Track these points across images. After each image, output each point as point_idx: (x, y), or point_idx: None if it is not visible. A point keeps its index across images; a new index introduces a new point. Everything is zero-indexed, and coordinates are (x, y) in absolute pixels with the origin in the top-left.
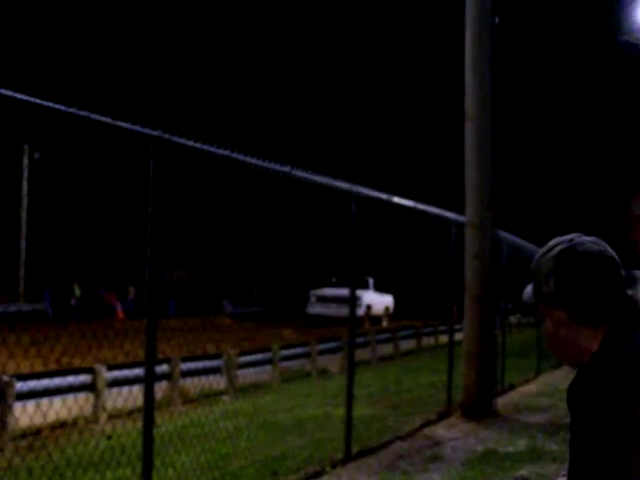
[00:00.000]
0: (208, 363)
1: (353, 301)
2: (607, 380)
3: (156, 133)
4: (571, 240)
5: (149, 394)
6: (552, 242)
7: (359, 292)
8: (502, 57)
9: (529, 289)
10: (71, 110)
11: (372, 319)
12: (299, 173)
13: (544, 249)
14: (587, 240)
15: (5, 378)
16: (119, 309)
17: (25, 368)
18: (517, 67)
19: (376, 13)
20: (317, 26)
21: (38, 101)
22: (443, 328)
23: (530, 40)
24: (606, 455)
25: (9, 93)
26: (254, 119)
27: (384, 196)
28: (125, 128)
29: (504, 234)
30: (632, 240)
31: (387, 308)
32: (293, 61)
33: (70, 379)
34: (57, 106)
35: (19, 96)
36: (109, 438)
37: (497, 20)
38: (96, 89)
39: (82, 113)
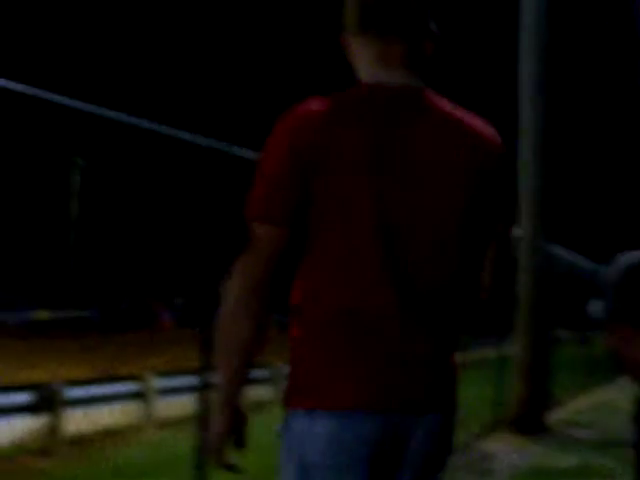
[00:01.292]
0: (259, 373)
1: None
2: None
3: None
4: (636, 257)
5: (202, 402)
6: (622, 258)
7: None
8: (558, 68)
9: (598, 304)
10: (133, 120)
11: None
12: None
13: (615, 265)
14: None
15: (55, 385)
16: (167, 318)
17: (75, 375)
18: (572, 79)
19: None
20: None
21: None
22: (489, 341)
23: (584, 50)
24: None
25: (67, 101)
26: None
27: None
28: (183, 139)
29: (556, 248)
30: None
31: None
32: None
33: (119, 387)
34: (108, 113)
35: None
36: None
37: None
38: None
39: (146, 125)
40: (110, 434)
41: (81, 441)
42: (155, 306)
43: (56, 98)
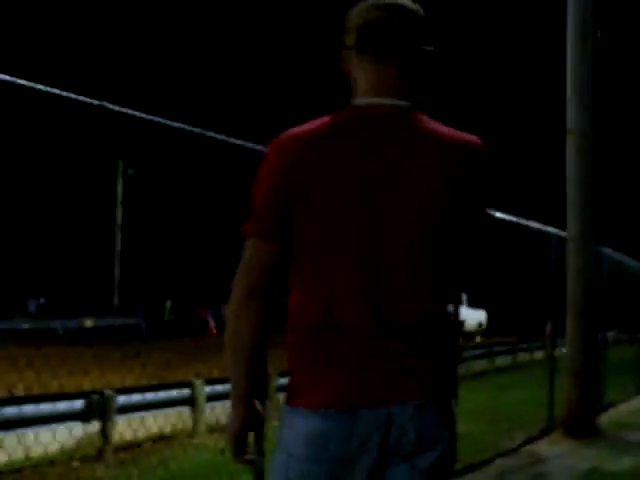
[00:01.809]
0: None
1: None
2: None
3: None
4: None
5: None
6: None
7: (460, 307)
8: (606, 70)
9: None
10: (176, 124)
11: (465, 335)
12: None
13: None
14: None
15: (107, 392)
16: (212, 325)
17: (123, 382)
18: (618, 80)
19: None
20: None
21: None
22: (538, 344)
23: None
24: None
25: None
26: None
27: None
28: (232, 143)
29: (606, 249)
30: None
31: (480, 324)
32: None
33: (169, 393)
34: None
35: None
36: (222, 452)
37: (599, 34)
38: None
39: (194, 129)
40: (160, 440)
41: (132, 447)
42: (200, 312)
43: (99, 103)
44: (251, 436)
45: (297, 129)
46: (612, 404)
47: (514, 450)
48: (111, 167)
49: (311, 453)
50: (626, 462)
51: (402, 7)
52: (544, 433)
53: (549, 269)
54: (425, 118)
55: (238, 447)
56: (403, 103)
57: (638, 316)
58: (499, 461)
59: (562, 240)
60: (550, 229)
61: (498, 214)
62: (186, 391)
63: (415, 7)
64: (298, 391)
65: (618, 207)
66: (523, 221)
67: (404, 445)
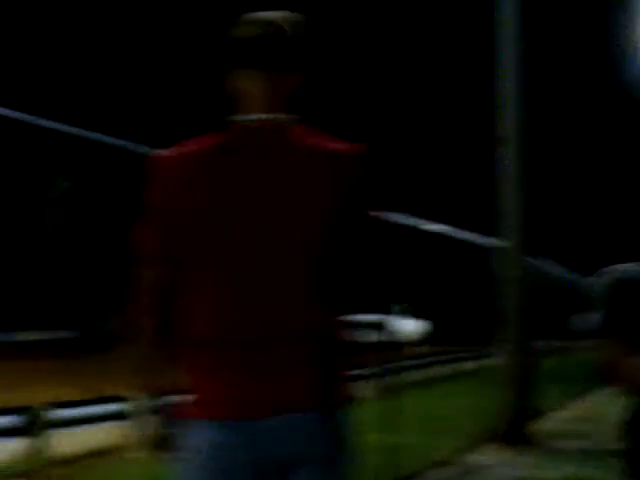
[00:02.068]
0: None
1: (379, 327)
2: None
3: None
4: (635, 269)
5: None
6: (614, 270)
7: (395, 318)
8: (536, 80)
9: (587, 317)
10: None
11: (409, 344)
12: None
13: (607, 278)
14: None
15: (44, 406)
16: None
17: (61, 396)
18: (552, 90)
19: (407, 29)
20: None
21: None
22: (481, 353)
23: (561, 65)
24: None
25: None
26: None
27: (417, 222)
28: None
29: (538, 260)
30: None
31: (424, 333)
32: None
33: (108, 407)
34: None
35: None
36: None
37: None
38: None
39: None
40: (99, 455)
41: (69, 463)
42: None
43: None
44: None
45: (174, 149)
46: (545, 413)
47: (448, 460)
48: (46, 181)
49: (200, 462)
50: (559, 471)
51: (274, 21)
52: (479, 442)
53: (486, 279)
54: (303, 131)
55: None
56: (280, 117)
57: (567, 325)
58: (434, 471)
59: (497, 250)
60: (485, 240)
61: (429, 226)
62: (123, 405)
63: (291, 19)
64: (194, 403)
65: (555, 219)
66: (456, 233)
67: (290, 457)
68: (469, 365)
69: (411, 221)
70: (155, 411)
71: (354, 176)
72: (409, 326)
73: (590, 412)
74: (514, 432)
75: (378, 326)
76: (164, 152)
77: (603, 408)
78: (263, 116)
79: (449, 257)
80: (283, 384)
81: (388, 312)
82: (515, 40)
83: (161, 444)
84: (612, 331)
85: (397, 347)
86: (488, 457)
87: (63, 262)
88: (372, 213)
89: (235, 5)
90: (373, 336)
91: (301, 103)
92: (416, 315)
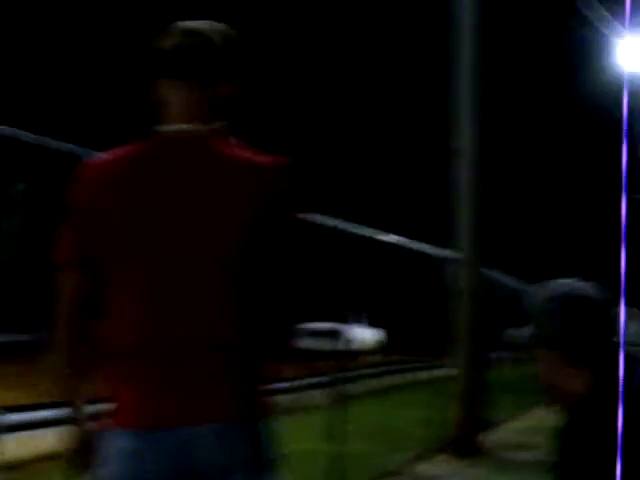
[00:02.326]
0: None
1: (339, 334)
2: (600, 423)
3: None
4: (573, 285)
5: None
6: (552, 285)
7: (350, 326)
8: (491, 95)
9: (524, 330)
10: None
11: (363, 353)
12: None
13: (544, 292)
14: (588, 286)
15: None
16: None
17: (17, 399)
18: (508, 104)
19: (360, 46)
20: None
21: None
22: (433, 364)
23: (516, 79)
24: None
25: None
26: None
27: (371, 233)
28: None
29: (492, 272)
30: None
31: (378, 342)
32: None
33: (62, 411)
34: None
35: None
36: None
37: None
38: None
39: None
40: (49, 459)
41: (21, 466)
42: None
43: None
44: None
45: (96, 159)
46: (499, 424)
47: (399, 470)
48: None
49: (114, 471)
50: None
51: (201, 32)
52: (431, 453)
53: (438, 289)
54: (227, 142)
55: (78, 463)
56: (207, 128)
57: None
58: None
59: (451, 262)
60: (439, 251)
61: (384, 236)
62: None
63: (218, 30)
64: (111, 411)
65: (510, 231)
66: (412, 244)
67: (207, 467)
68: (422, 375)
69: (367, 231)
70: (74, 421)
71: (275, 189)
72: (364, 335)
73: (542, 423)
74: (465, 443)
75: (333, 334)
76: (88, 160)
77: (554, 418)
78: (183, 126)
79: (404, 268)
80: (197, 395)
81: (343, 320)
82: (471, 51)
83: (79, 456)
84: (543, 344)
85: (351, 356)
86: (438, 468)
87: (16, 265)
88: (297, 226)
89: (166, 13)
90: (327, 344)
91: (252, 113)
92: (371, 324)
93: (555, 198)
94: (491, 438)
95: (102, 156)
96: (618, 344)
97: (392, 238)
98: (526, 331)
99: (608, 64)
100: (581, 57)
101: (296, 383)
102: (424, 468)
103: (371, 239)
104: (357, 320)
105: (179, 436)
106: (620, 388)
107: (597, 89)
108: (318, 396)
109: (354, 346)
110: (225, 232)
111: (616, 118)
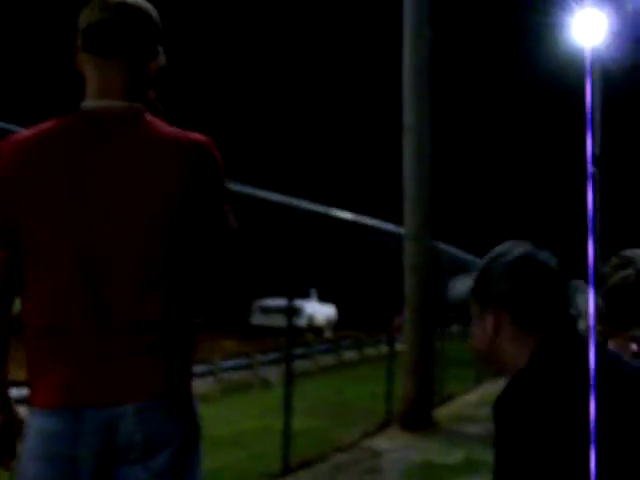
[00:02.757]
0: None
1: (288, 310)
2: (531, 398)
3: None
4: (528, 248)
5: None
6: (507, 246)
7: (301, 302)
8: (440, 70)
9: (462, 285)
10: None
11: (314, 329)
12: (235, 187)
13: (498, 251)
14: (543, 252)
15: None
16: None
17: None
18: (456, 78)
19: (309, 16)
20: (254, 31)
21: None
22: (385, 339)
23: (469, 55)
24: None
25: None
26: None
27: (322, 209)
28: None
29: (443, 245)
30: None
31: (330, 318)
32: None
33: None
34: None
35: None
36: None
37: (432, 34)
38: None
39: None
40: None
41: None
42: None
43: None
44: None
45: (18, 134)
46: (451, 397)
47: (350, 445)
48: None
49: (39, 451)
50: (459, 454)
51: (127, 7)
52: (382, 427)
53: (388, 265)
54: (151, 119)
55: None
56: (129, 104)
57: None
58: (335, 456)
59: (400, 237)
60: (388, 226)
61: (336, 212)
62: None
63: (144, 6)
64: (32, 391)
65: (457, 204)
66: (361, 219)
67: (132, 446)
68: (373, 351)
69: (320, 208)
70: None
71: (198, 164)
72: (316, 311)
73: (493, 395)
74: (416, 417)
75: (286, 311)
76: (11, 136)
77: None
78: (104, 102)
79: (355, 243)
80: (121, 373)
81: (297, 296)
82: (420, 24)
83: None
84: (491, 302)
85: (304, 332)
86: (390, 442)
87: None
88: (224, 200)
89: None
90: (279, 321)
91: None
92: (324, 300)
93: (514, 174)
94: (443, 412)
95: (22, 132)
96: (575, 316)
97: (345, 214)
98: (465, 285)
99: (563, 39)
100: (536, 33)
101: (250, 360)
102: (376, 442)
103: (324, 215)
104: (310, 296)
105: (102, 416)
106: (592, 371)
107: (553, 64)
108: (271, 373)
109: (306, 322)
110: (148, 207)
111: (571, 90)
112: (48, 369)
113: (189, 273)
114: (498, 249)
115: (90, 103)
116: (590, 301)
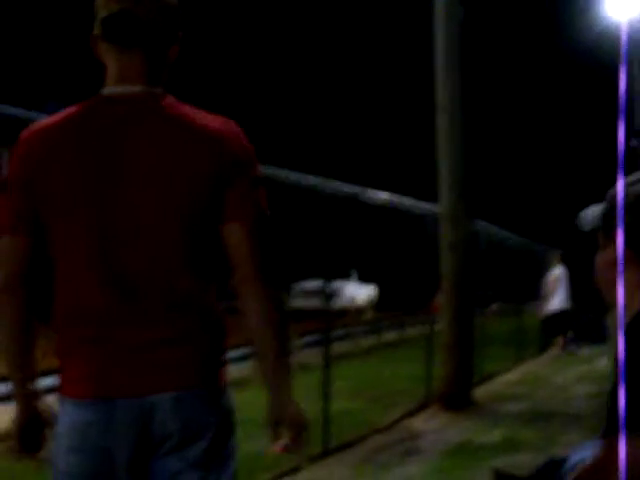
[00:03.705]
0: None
1: (327, 293)
2: None
3: None
4: None
5: None
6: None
7: (341, 284)
8: (473, 47)
9: (592, 211)
10: None
11: (356, 311)
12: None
13: (631, 179)
14: None
15: None
16: None
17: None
18: (489, 59)
19: (341, 8)
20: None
21: None
22: (425, 319)
23: (501, 34)
24: None
25: None
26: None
27: (358, 190)
28: None
29: (481, 223)
30: None
31: (370, 299)
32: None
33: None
34: None
35: None
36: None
37: (463, 11)
38: None
39: None
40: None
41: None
42: None
43: None
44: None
45: (40, 122)
46: (491, 376)
47: (389, 426)
48: None
49: (73, 443)
50: (498, 433)
51: None
52: (421, 408)
53: (428, 244)
54: (175, 103)
55: (24, 443)
56: (151, 89)
57: (520, 288)
58: (374, 438)
59: (433, 216)
60: (424, 205)
61: (379, 194)
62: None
63: None
64: (64, 381)
65: (495, 182)
66: (396, 199)
67: (168, 436)
68: (415, 331)
69: (355, 189)
70: (22, 398)
71: (234, 152)
72: (356, 292)
73: (534, 374)
74: (456, 397)
75: (324, 293)
76: (33, 124)
77: (547, 369)
78: (124, 88)
79: (392, 224)
80: (154, 362)
81: (337, 278)
82: (451, 1)
83: (25, 438)
84: (631, 238)
85: (343, 314)
86: (429, 423)
87: None
88: (256, 184)
89: None
90: (319, 302)
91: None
92: (363, 281)
93: (550, 151)
94: (482, 391)
95: (42, 120)
96: None
97: (380, 195)
98: (596, 212)
99: (595, 15)
100: (568, 9)
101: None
102: (415, 423)
103: (358, 197)
104: (349, 278)
105: (136, 406)
106: None
107: (586, 39)
108: (311, 355)
109: (346, 304)
110: (181, 190)
111: (608, 66)
112: (78, 358)
113: (218, 257)
114: (630, 177)
115: (110, 89)
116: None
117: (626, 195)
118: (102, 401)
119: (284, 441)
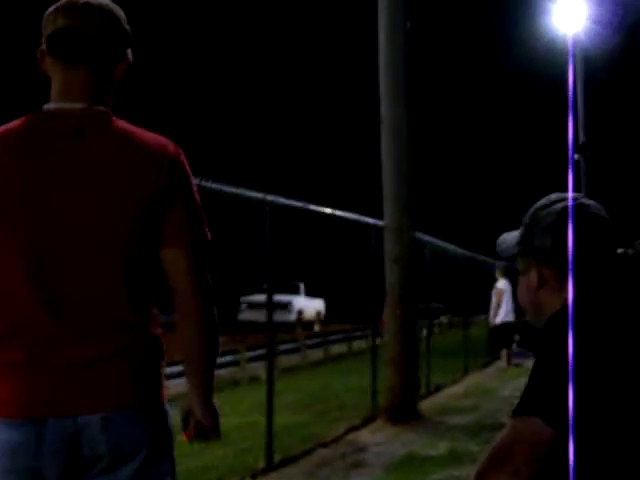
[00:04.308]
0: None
1: (270, 306)
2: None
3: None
4: (577, 199)
5: None
6: (553, 197)
7: (290, 297)
8: (417, 61)
9: (510, 238)
10: None
11: (304, 324)
12: (210, 185)
13: (544, 202)
14: (593, 203)
15: None
16: None
17: None
18: (432, 71)
19: (287, 14)
20: (229, 29)
21: None
22: (371, 332)
23: (445, 44)
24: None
25: None
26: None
27: (300, 204)
28: None
29: (426, 237)
30: None
31: (318, 313)
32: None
33: None
34: None
35: None
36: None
37: (409, 24)
38: None
39: None
40: None
41: None
42: None
43: None
44: None
45: None
46: (438, 389)
47: (335, 440)
48: None
49: (4, 464)
50: (443, 446)
51: (94, 12)
52: (367, 421)
53: (372, 258)
54: (117, 121)
55: None
56: (94, 107)
57: (467, 300)
58: (319, 452)
59: (380, 229)
60: (368, 219)
61: (313, 207)
62: None
63: (111, 10)
64: None
65: (438, 195)
66: (339, 213)
67: (98, 458)
68: (363, 344)
69: (299, 204)
70: None
71: (172, 170)
72: (305, 305)
73: (480, 386)
74: (402, 410)
75: (269, 306)
76: None
77: (492, 381)
78: (65, 105)
79: (339, 238)
80: (86, 381)
81: (286, 292)
82: (396, 14)
83: None
84: (547, 258)
85: (294, 326)
86: (374, 435)
87: None
88: (195, 200)
89: None
90: (276, 316)
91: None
92: (312, 294)
93: (496, 163)
94: (429, 403)
95: None
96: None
97: (323, 209)
98: (512, 239)
99: (542, 26)
100: (515, 20)
101: (237, 356)
102: (361, 436)
103: (306, 210)
104: (297, 291)
105: (66, 426)
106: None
107: (534, 52)
108: (260, 369)
109: (296, 317)
110: (119, 208)
111: (552, 79)
112: (9, 377)
113: (157, 275)
114: (543, 201)
115: (53, 104)
116: (569, 292)
117: (547, 215)
118: (32, 421)
119: (191, 431)
